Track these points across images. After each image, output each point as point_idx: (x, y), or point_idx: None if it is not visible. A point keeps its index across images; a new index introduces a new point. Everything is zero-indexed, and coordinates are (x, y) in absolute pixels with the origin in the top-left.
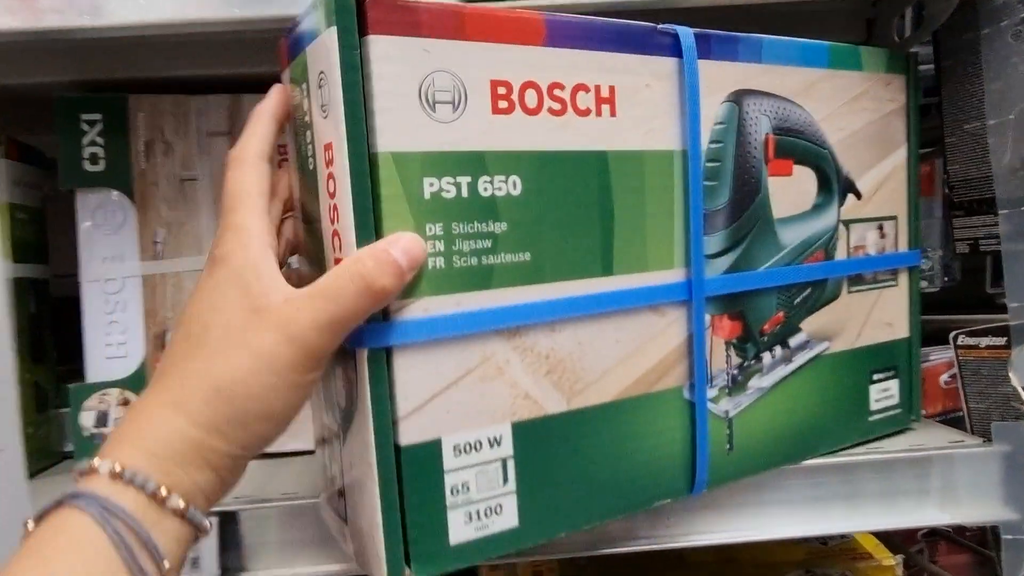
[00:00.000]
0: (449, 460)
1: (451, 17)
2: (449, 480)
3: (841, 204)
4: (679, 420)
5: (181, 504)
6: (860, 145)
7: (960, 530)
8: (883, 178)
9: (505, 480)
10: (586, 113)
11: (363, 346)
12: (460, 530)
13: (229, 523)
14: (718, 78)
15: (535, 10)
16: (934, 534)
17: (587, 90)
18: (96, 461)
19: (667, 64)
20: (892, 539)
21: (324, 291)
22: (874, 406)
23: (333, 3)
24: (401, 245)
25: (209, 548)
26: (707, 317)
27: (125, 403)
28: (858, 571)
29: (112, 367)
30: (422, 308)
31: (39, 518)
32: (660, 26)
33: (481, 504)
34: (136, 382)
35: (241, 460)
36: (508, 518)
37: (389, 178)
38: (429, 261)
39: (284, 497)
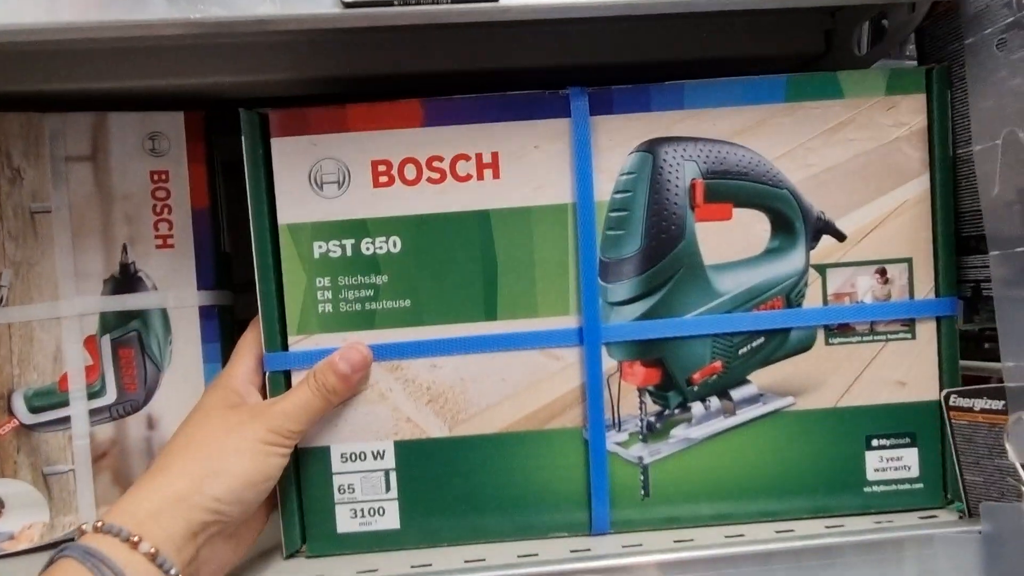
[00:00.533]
0: (337, 464)
1: (335, 115)
2: (336, 480)
3: (812, 247)
4: (575, 459)
5: (151, 549)
6: (843, 180)
7: None
8: (884, 215)
9: (388, 488)
10: (466, 179)
11: (267, 369)
12: (346, 523)
13: None
14: (625, 130)
15: (415, 99)
16: None
17: (468, 159)
18: (85, 524)
19: (559, 124)
20: None
21: (288, 392)
22: (873, 476)
23: (244, 118)
24: (347, 356)
25: None
26: (614, 363)
27: None
28: None
29: None
30: (314, 342)
31: (44, 569)
32: (549, 92)
33: (365, 505)
34: None
35: (220, 516)
36: (390, 520)
37: (286, 243)
38: (319, 307)
39: None
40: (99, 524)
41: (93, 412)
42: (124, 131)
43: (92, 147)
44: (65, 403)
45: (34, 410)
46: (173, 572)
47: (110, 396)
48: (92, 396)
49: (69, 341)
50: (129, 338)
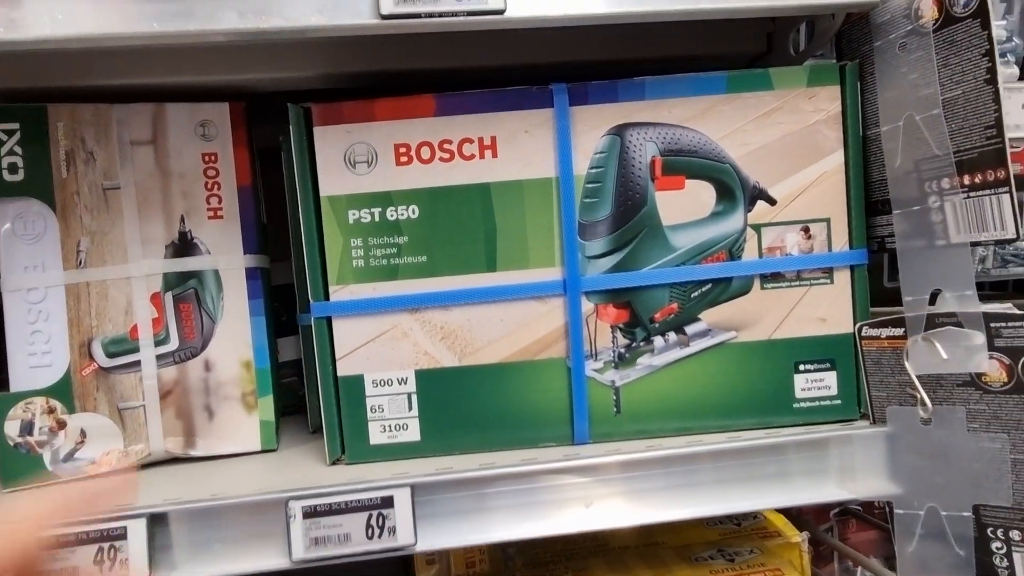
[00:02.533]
0: (369, 389)
1: (365, 108)
2: (369, 402)
3: (749, 210)
4: (561, 383)
5: None
6: (774, 156)
7: (868, 508)
8: (807, 183)
9: (410, 408)
10: (471, 158)
11: (313, 316)
12: (377, 436)
13: (159, 523)
14: (597, 117)
15: (429, 94)
16: (845, 512)
17: (471, 141)
18: None
19: (544, 113)
20: (803, 518)
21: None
22: (800, 395)
23: (291, 111)
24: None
25: (138, 548)
26: (591, 305)
27: (50, 411)
28: (767, 548)
29: (36, 376)
30: (349, 292)
31: None
32: (536, 87)
33: (392, 421)
34: (61, 391)
35: None
36: (412, 434)
37: (327, 211)
38: (353, 262)
39: (213, 498)
40: None
41: (159, 357)
42: (179, 119)
43: (152, 133)
44: (135, 349)
45: (110, 355)
46: None
47: (173, 343)
48: (158, 344)
49: (138, 297)
50: (188, 294)
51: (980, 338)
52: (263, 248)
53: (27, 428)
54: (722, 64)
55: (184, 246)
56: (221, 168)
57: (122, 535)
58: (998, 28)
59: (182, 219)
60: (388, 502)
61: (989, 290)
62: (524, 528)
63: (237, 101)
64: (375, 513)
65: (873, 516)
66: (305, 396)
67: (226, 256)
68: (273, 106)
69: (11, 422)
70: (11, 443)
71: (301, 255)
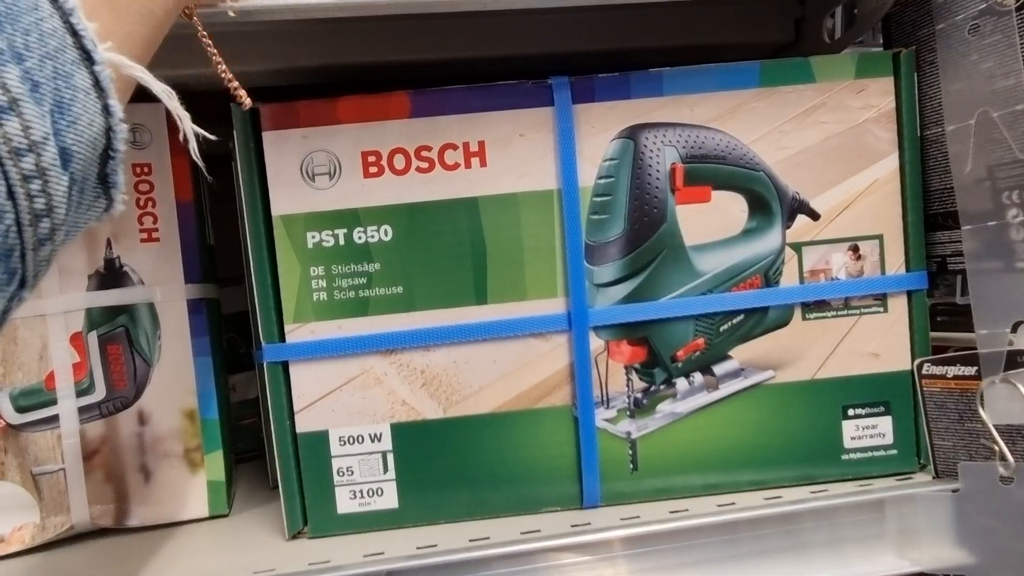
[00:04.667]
0: (335, 448)
1: (325, 108)
2: (336, 463)
3: (788, 226)
4: (566, 436)
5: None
6: (815, 161)
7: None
8: (856, 194)
9: (385, 469)
10: (454, 167)
11: (265, 360)
12: (346, 503)
13: None
14: (606, 117)
15: (403, 90)
16: None
17: (455, 148)
18: None
19: (542, 113)
20: None
21: None
22: (849, 444)
23: (235, 113)
24: None
25: None
26: (601, 342)
27: None
28: None
29: None
30: (309, 331)
31: None
32: (533, 82)
33: (364, 486)
34: None
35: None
36: (388, 500)
37: (280, 234)
38: (313, 295)
39: None
40: None
41: (82, 410)
42: None
43: None
44: (52, 402)
45: (20, 410)
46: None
47: (99, 393)
48: (80, 394)
49: (54, 339)
50: (117, 334)
51: None
52: (209, 275)
53: None
54: (741, 55)
55: (111, 276)
56: (156, 182)
57: None
58: None
59: (108, 243)
60: None
61: None
62: None
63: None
64: None
65: None
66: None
67: (163, 286)
68: (221, 105)
69: None
70: None
71: (270, 272)
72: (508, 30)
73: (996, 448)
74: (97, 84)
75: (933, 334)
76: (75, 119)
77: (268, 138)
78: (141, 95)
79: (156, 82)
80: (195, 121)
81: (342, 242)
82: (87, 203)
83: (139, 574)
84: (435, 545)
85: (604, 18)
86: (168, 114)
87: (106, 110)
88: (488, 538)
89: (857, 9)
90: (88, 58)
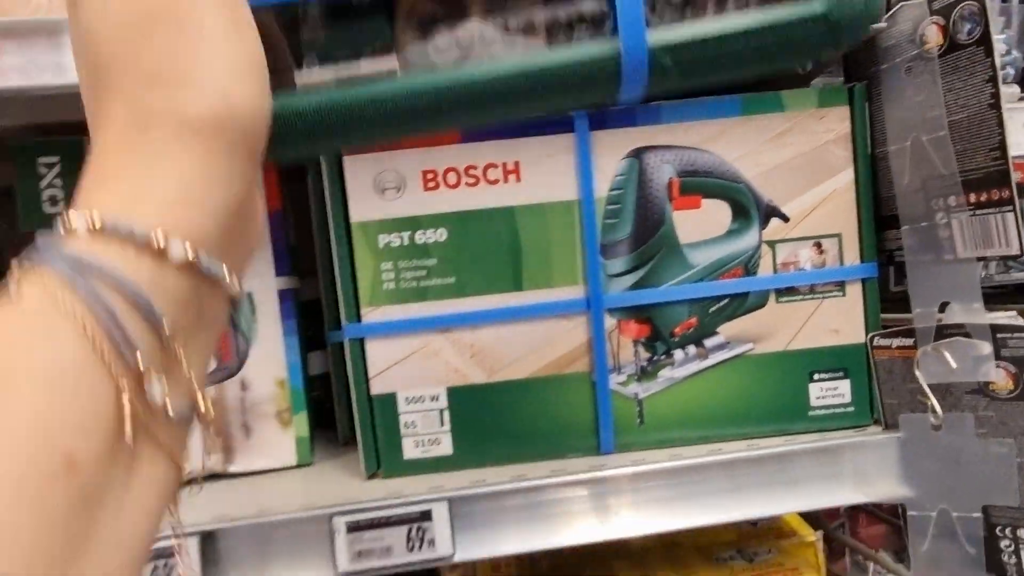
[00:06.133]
0: (402, 406)
1: None
2: (402, 419)
3: (763, 227)
4: (586, 396)
5: (187, 253)
6: (786, 175)
7: (878, 504)
8: (819, 201)
9: (442, 423)
10: (495, 182)
11: (346, 337)
12: (411, 451)
13: (209, 541)
14: (617, 142)
15: None
16: (855, 508)
17: (496, 166)
18: (68, 215)
19: (566, 139)
20: (815, 514)
21: None
22: (815, 403)
23: None
24: None
25: (191, 565)
26: (614, 321)
27: None
28: (783, 548)
29: None
30: (381, 313)
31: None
32: (556, 117)
33: (425, 437)
34: None
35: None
36: (445, 448)
37: (358, 237)
38: (384, 284)
39: (260, 515)
40: (92, 220)
41: None
42: None
43: None
44: None
45: None
46: (227, 281)
47: (211, 365)
48: None
49: None
50: None
51: (987, 348)
52: (293, 270)
53: None
54: (727, 87)
55: None
56: None
57: (172, 553)
58: (999, 43)
59: None
60: (427, 515)
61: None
62: (556, 538)
63: None
64: (415, 526)
65: (882, 511)
66: (333, 410)
67: (259, 280)
68: None
69: None
70: None
71: (329, 275)
72: None
73: (929, 403)
74: None
75: (883, 315)
76: None
77: (347, 161)
78: None
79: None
80: None
81: (406, 242)
82: None
83: (256, 505)
84: (483, 480)
85: None
86: None
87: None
88: (524, 475)
89: None
90: None
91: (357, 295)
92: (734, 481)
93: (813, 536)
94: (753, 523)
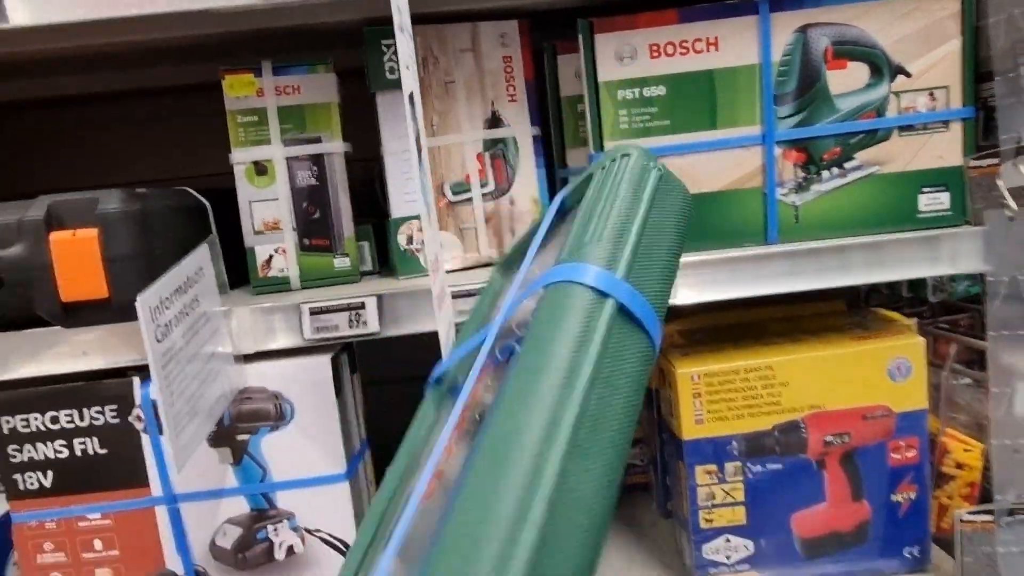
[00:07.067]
0: None
1: (629, 20)
2: None
3: (892, 81)
4: (760, 204)
5: None
6: (911, 43)
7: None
8: (934, 61)
9: None
10: (700, 52)
11: (593, 161)
12: None
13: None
14: (789, 21)
15: (673, 9)
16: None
17: (701, 40)
18: None
19: (751, 19)
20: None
21: None
22: (923, 208)
23: (581, 24)
24: None
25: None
26: (779, 150)
27: (419, 230)
28: (888, 328)
29: (410, 208)
30: (616, 142)
31: None
32: (746, 1)
33: None
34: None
35: None
36: None
37: (603, 91)
38: (620, 124)
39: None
40: None
41: (483, 196)
42: (488, 33)
43: (472, 43)
44: (468, 190)
45: (455, 193)
46: None
47: (491, 186)
48: (482, 186)
49: (469, 156)
50: (498, 153)
51: None
52: (542, 122)
53: (409, 240)
54: None
55: (495, 121)
56: (514, 66)
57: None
58: None
59: (492, 103)
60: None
61: None
62: (740, 289)
63: (523, 19)
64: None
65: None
66: None
67: (520, 127)
68: (537, 24)
69: (401, 236)
70: (402, 249)
71: (560, 126)
72: None
73: (1006, 202)
74: None
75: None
76: None
77: (599, 38)
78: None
79: None
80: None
81: (637, 96)
82: None
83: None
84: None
85: None
86: (520, 26)
87: None
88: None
89: None
90: None
91: (602, 133)
92: (865, 257)
93: (908, 321)
94: (863, 316)
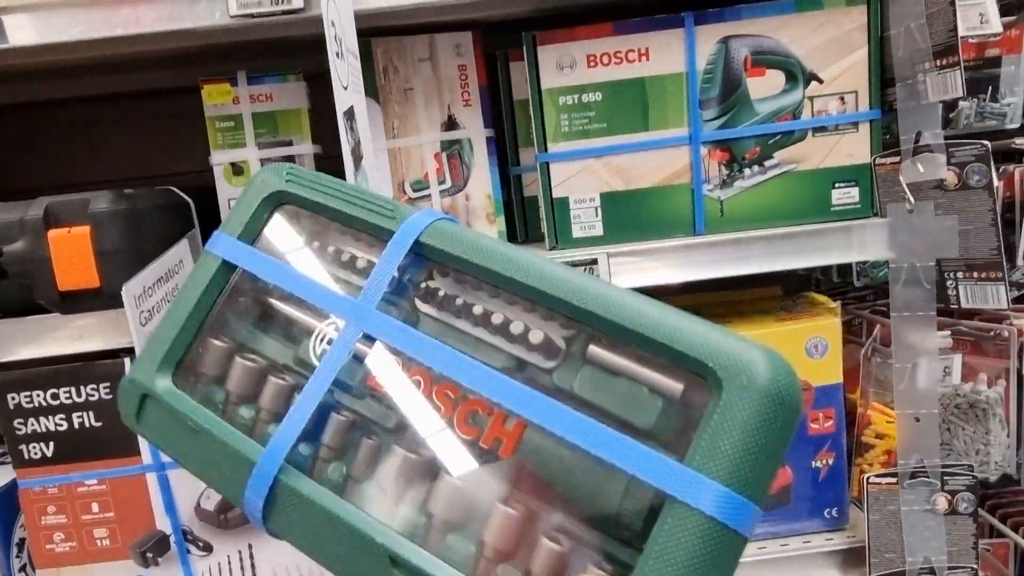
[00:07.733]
0: (572, 205)
1: (569, 33)
2: (572, 213)
3: (806, 87)
4: (688, 198)
5: None
6: (822, 52)
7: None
8: (844, 69)
9: (597, 215)
10: (633, 61)
11: (539, 161)
12: (577, 232)
13: None
14: (712, 33)
15: (608, 22)
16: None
17: (633, 51)
18: None
19: (679, 32)
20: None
21: None
22: (835, 202)
23: (525, 38)
24: None
25: None
26: (706, 150)
27: None
28: (814, 311)
29: None
30: (559, 146)
31: None
32: (673, 16)
33: (586, 223)
34: None
35: None
36: (599, 231)
37: (546, 97)
38: (562, 128)
39: None
40: None
41: (440, 192)
42: (444, 44)
43: (429, 53)
44: (427, 187)
45: (415, 190)
46: None
47: (448, 184)
48: (440, 183)
49: (427, 155)
50: (455, 152)
51: (942, 158)
52: (496, 124)
53: None
54: None
55: (451, 124)
56: (469, 74)
57: None
58: None
59: (448, 107)
60: (595, 262)
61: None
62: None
63: (476, 30)
64: (586, 268)
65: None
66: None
67: (474, 129)
68: (490, 34)
69: None
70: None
71: (513, 127)
72: None
73: (906, 196)
74: None
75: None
76: None
77: (541, 49)
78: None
79: None
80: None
81: (576, 102)
82: None
83: None
84: (625, 249)
85: None
86: (473, 38)
87: None
88: (653, 244)
89: None
90: None
91: (545, 135)
92: (781, 247)
93: (833, 303)
94: (792, 300)
